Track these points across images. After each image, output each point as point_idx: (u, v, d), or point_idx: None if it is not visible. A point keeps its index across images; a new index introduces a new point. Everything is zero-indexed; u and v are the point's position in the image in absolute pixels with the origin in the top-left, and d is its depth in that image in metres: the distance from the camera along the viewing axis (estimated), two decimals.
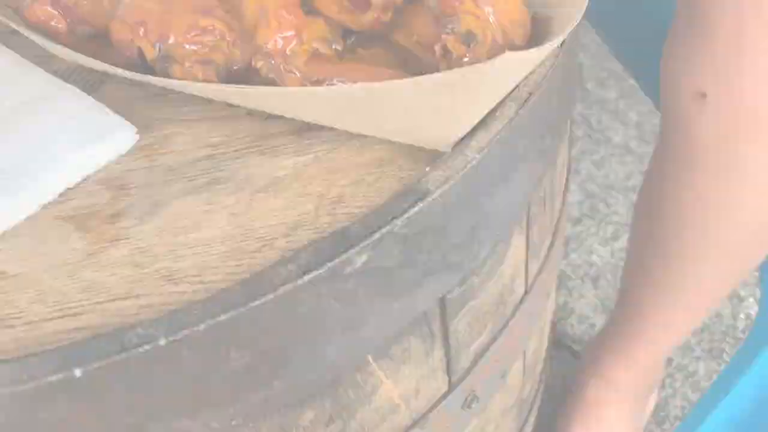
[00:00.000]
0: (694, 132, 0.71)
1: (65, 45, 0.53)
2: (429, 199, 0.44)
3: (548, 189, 0.65)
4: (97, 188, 0.50)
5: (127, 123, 0.53)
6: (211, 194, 0.50)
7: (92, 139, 0.51)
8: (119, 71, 0.47)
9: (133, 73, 0.48)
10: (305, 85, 0.47)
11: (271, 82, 0.47)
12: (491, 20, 0.47)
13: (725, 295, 0.88)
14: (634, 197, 1.60)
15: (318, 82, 0.47)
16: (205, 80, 0.47)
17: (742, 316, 1.33)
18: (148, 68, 0.50)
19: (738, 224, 0.74)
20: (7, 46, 0.57)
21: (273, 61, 0.46)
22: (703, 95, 0.66)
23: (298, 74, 0.47)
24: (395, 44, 0.55)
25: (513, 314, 0.66)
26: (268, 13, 0.50)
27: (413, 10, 0.54)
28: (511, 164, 0.52)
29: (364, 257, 0.43)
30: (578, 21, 0.45)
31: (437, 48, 0.47)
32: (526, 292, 0.68)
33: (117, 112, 0.54)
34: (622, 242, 1.50)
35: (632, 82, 1.74)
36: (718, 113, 0.66)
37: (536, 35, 0.54)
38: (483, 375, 0.64)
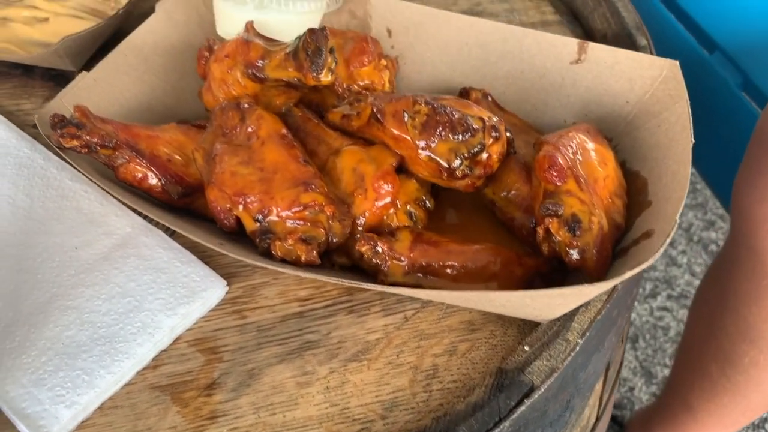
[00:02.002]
0: (762, 250, 0.71)
1: (159, 200, 0.52)
2: (535, 395, 0.44)
3: None
4: (189, 351, 0.50)
5: (217, 277, 0.53)
6: (304, 361, 0.50)
7: (185, 299, 0.51)
8: (231, 254, 0.46)
9: (254, 258, 0.47)
10: (409, 273, 0.46)
11: (374, 266, 0.47)
12: (594, 202, 0.47)
13: None
14: (671, 252, 1.59)
15: (422, 268, 0.46)
16: (307, 262, 0.47)
17: None
18: (242, 235, 0.50)
19: None
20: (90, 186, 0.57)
21: (379, 249, 0.46)
22: None
23: (404, 262, 0.46)
24: (482, 196, 0.55)
25: None
26: (366, 182, 0.49)
27: (504, 163, 0.53)
28: (604, 335, 0.51)
29: None
30: (664, 247, 0.44)
31: (540, 230, 0.47)
32: (597, 420, 0.67)
33: (202, 255, 0.54)
34: (661, 300, 1.49)
35: None
36: None
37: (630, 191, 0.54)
38: None
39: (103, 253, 0.55)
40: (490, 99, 0.62)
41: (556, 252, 0.47)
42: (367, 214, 0.49)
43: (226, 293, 0.53)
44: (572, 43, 0.61)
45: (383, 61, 0.62)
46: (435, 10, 0.65)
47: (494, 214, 0.55)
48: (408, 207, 0.51)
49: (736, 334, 0.80)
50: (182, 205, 0.53)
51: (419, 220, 0.51)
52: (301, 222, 0.47)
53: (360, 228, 0.49)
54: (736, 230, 0.75)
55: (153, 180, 0.51)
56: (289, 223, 0.47)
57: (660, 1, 1.04)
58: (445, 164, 0.48)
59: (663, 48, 0.93)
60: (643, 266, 0.41)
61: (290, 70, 0.53)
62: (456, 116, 0.48)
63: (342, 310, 0.52)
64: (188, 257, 0.54)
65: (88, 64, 0.72)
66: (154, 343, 0.50)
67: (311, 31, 0.52)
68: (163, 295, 0.52)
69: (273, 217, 0.48)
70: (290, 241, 0.47)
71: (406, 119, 0.49)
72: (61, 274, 0.53)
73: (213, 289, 0.52)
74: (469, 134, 0.48)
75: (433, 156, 0.48)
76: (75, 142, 0.49)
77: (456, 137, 0.48)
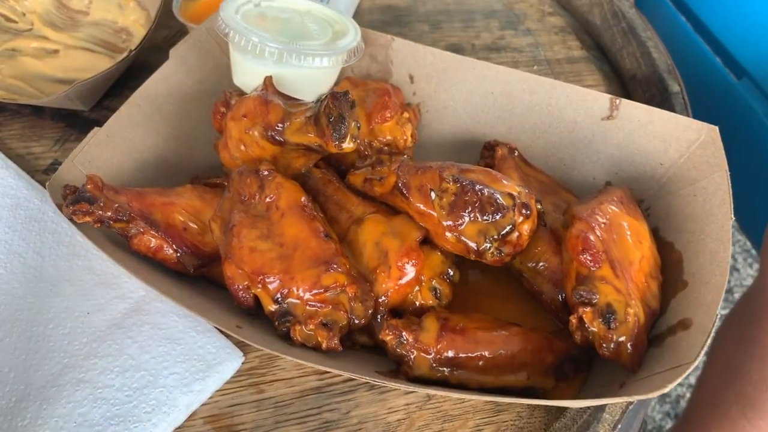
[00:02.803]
0: None
1: (174, 270, 0.50)
2: None
3: None
4: (205, 429, 0.49)
5: (234, 348, 0.51)
6: None
7: (201, 374, 0.50)
8: (249, 341, 0.44)
9: (274, 346, 0.45)
10: (436, 366, 0.44)
11: (398, 356, 0.45)
12: (630, 290, 0.45)
13: None
14: None
15: (449, 360, 0.44)
16: (328, 349, 0.45)
17: None
18: (260, 312, 0.48)
19: None
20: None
21: (404, 339, 0.44)
22: None
23: (431, 354, 0.44)
24: (509, 265, 0.52)
25: None
26: (389, 259, 0.47)
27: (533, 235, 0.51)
28: (632, 420, 0.49)
29: None
30: (704, 350, 0.41)
31: (573, 319, 0.45)
32: None
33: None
34: None
35: None
36: None
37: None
38: None
39: (116, 319, 0.53)
40: (516, 154, 0.59)
41: (589, 341, 0.45)
42: (390, 293, 0.47)
43: (243, 362, 0.52)
44: (604, 98, 0.58)
45: (405, 114, 0.60)
46: (459, 57, 0.62)
47: (521, 283, 0.53)
48: (433, 283, 0.49)
49: (760, 382, 0.79)
50: (198, 275, 0.51)
51: (444, 296, 0.49)
52: (322, 305, 0.45)
53: (382, 309, 0.47)
54: (766, 278, 0.73)
55: (168, 251, 0.50)
56: (310, 306, 0.45)
57: (689, 25, 1.01)
58: (473, 246, 0.46)
59: (690, 72, 0.90)
60: (679, 380, 0.39)
61: (311, 135, 0.51)
62: (485, 194, 0.46)
63: (362, 386, 0.51)
64: (204, 326, 0.52)
65: (99, 104, 0.71)
66: (169, 422, 0.48)
67: (333, 96, 0.49)
68: (178, 369, 0.50)
69: (293, 300, 0.46)
70: (311, 326, 0.45)
71: (433, 197, 0.47)
72: (73, 342, 0.52)
73: (229, 362, 0.51)
74: (499, 214, 0.45)
75: (461, 238, 0.46)
76: (88, 219, 0.47)
77: (485, 218, 0.45)
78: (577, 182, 0.60)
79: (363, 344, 0.49)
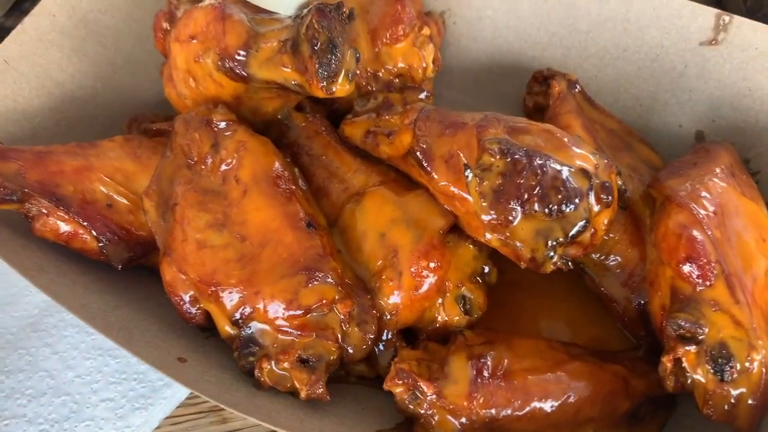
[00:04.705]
0: None
1: (98, 260, 0.36)
2: None
3: None
4: None
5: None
6: None
7: (142, 401, 0.37)
8: (202, 394, 0.30)
9: (232, 401, 0.31)
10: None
11: (412, 414, 0.31)
12: (755, 322, 0.30)
13: None
14: None
15: (486, 424, 0.30)
16: (309, 398, 0.31)
17: None
18: (211, 329, 0.34)
19: None
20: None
21: (421, 391, 0.30)
22: None
23: (460, 418, 0.30)
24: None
25: None
26: (400, 260, 0.33)
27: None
28: None
29: None
30: None
31: (666, 361, 0.31)
32: None
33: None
34: None
35: None
36: None
37: None
38: None
39: (32, 317, 0.39)
40: (578, 90, 0.43)
41: (685, 390, 0.31)
42: (399, 309, 0.33)
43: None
44: (707, 14, 0.42)
45: (425, 30, 0.43)
46: None
47: (582, 279, 0.38)
48: (461, 290, 0.34)
49: None
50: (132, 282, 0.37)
51: (476, 308, 0.35)
52: (301, 332, 0.31)
53: (388, 332, 0.33)
54: None
55: (86, 238, 0.35)
56: (283, 334, 0.31)
57: None
58: (527, 254, 0.31)
59: None
60: None
61: (287, 69, 0.34)
62: (548, 173, 0.30)
63: None
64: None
65: (17, 6, 0.53)
66: None
67: (320, 12, 0.32)
68: (112, 393, 0.37)
69: (260, 324, 0.32)
70: (284, 364, 0.31)
71: (468, 177, 0.31)
72: None
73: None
74: (570, 205, 0.30)
75: (509, 240, 0.31)
76: None
77: (549, 212, 0.30)
78: (656, 130, 0.45)
79: (360, 375, 0.35)
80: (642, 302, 0.36)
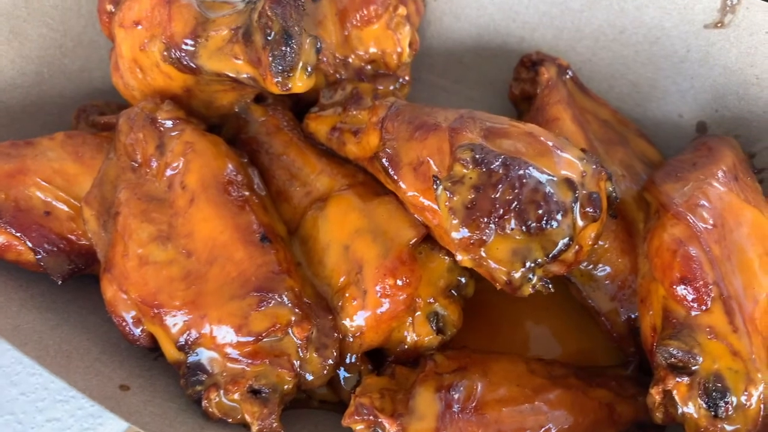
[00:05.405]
0: None
1: (35, 271, 0.33)
2: None
3: None
4: None
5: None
6: None
7: (92, 421, 0.34)
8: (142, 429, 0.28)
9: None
10: None
11: None
12: (755, 352, 0.27)
13: None
14: None
15: None
16: (262, 430, 0.28)
17: None
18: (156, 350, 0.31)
19: None
20: None
21: (383, 428, 0.27)
22: None
23: None
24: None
25: None
26: (365, 277, 0.30)
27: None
28: None
29: None
30: None
31: (655, 393, 0.28)
32: None
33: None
34: None
35: None
36: None
37: None
38: None
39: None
40: (569, 76, 0.39)
41: (675, 422, 0.28)
42: (364, 331, 0.30)
43: None
44: None
45: (401, 9, 0.39)
46: None
47: (568, 290, 0.35)
48: (434, 306, 0.31)
49: None
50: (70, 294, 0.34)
51: (449, 325, 0.32)
52: (252, 360, 0.28)
53: (351, 355, 0.30)
54: None
55: (20, 249, 0.32)
56: (232, 362, 0.28)
57: None
58: (503, 277, 0.27)
59: None
60: None
61: (239, 61, 0.31)
62: (528, 184, 0.27)
63: None
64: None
65: None
66: None
67: None
68: (59, 413, 0.34)
69: (207, 351, 0.29)
70: (234, 394, 0.28)
71: (438, 190, 0.27)
72: None
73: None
74: (552, 222, 0.27)
75: (483, 261, 0.28)
76: None
77: (527, 229, 0.27)
78: (654, 120, 0.41)
79: (322, 399, 0.32)
80: (632, 316, 0.33)
